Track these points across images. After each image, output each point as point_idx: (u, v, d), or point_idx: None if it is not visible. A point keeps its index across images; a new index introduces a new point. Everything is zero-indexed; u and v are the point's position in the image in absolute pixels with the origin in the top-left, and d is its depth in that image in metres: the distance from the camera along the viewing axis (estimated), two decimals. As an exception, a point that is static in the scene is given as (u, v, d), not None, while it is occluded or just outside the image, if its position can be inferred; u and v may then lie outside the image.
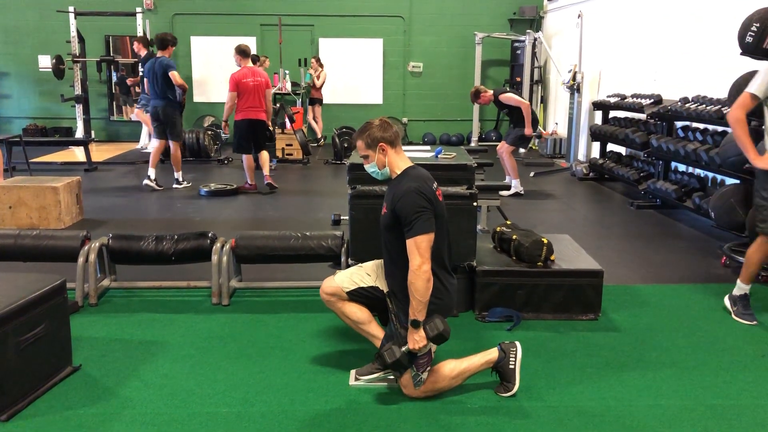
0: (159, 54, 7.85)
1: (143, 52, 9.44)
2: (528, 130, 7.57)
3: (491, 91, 7.78)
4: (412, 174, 2.94)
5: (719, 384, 3.14)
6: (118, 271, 4.46)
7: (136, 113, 10.83)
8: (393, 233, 2.91)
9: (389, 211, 2.90)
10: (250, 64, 7.73)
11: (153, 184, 8.06)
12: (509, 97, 7.63)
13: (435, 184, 2.96)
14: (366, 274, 3.16)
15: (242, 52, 7.67)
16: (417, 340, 2.79)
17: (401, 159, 3.01)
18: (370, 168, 3.04)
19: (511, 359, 2.99)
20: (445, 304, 2.95)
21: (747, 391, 3.07)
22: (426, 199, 2.81)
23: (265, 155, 8.04)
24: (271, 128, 7.97)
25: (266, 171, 8.00)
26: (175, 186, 8.16)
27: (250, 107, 7.64)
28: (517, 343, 3.05)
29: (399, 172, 2.97)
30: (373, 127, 2.97)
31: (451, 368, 2.97)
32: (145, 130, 11.96)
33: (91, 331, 3.70)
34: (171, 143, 8.08)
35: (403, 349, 2.83)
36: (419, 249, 2.75)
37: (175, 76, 7.69)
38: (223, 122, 7.95)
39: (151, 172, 8.12)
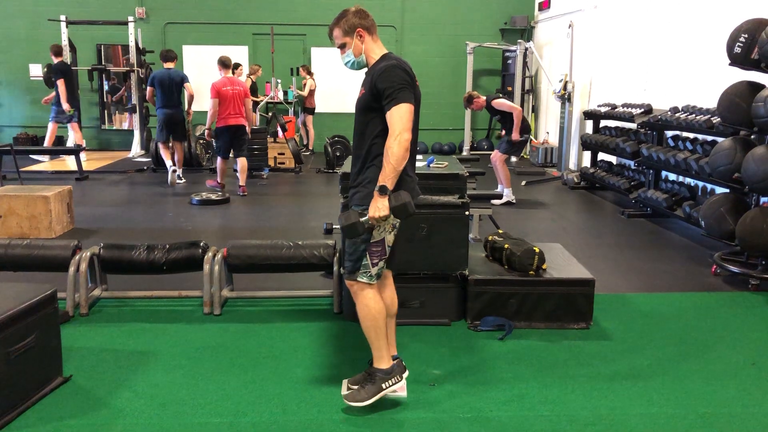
0: (168, 66, 8.91)
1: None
2: (515, 135, 7.61)
3: (484, 97, 7.83)
4: (392, 56, 2.87)
5: (710, 392, 3.15)
6: (109, 281, 4.44)
7: (53, 126, 10.91)
8: (369, 115, 2.82)
9: (368, 89, 2.81)
10: (230, 74, 8.23)
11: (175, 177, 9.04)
12: (501, 103, 7.68)
13: (412, 69, 2.88)
14: None
15: (222, 63, 8.19)
16: (379, 207, 2.67)
17: (378, 46, 2.92)
18: (346, 57, 2.94)
19: (391, 380, 2.89)
20: (410, 187, 2.84)
21: (737, 400, 3.09)
22: (408, 75, 2.76)
23: (244, 163, 8.38)
24: (249, 134, 8.46)
25: (242, 181, 8.38)
26: (178, 181, 9.09)
27: (230, 114, 8.02)
28: (405, 376, 2.95)
29: (376, 59, 2.88)
30: (349, 14, 2.89)
31: (382, 314, 2.86)
32: (136, 139, 11.95)
33: (82, 341, 3.68)
34: (178, 144, 9.27)
35: (363, 218, 2.72)
36: (401, 117, 2.68)
37: (189, 87, 9.10)
38: (207, 129, 8.20)
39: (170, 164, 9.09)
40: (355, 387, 3.05)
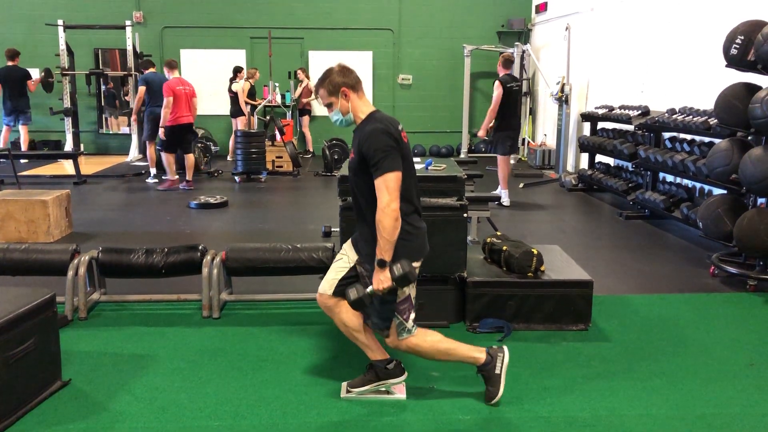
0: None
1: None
2: (481, 131, 7.93)
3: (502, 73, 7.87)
4: (377, 116, 2.89)
5: (708, 393, 3.16)
6: (107, 285, 4.44)
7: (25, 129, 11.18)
8: (361, 177, 2.86)
9: (356, 154, 2.85)
10: (177, 74, 8.89)
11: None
12: (495, 87, 7.79)
13: (400, 126, 2.92)
14: (340, 260, 3.11)
15: (169, 64, 8.94)
16: (382, 280, 2.75)
17: (364, 104, 2.95)
18: (334, 116, 2.97)
19: (497, 364, 3.00)
20: (414, 247, 2.89)
21: (736, 400, 3.09)
22: (392, 138, 2.78)
23: (191, 159, 9.03)
24: (196, 130, 9.20)
25: (189, 176, 8.97)
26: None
27: (182, 113, 8.69)
28: (505, 348, 3.06)
29: (363, 117, 2.92)
30: (333, 74, 2.93)
31: (439, 339, 3.01)
32: (134, 143, 11.94)
33: (81, 345, 3.68)
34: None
35: (368, 290, 2.80)
36: (387, 187, 2.71)
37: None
38: (161, 127, 8.63)
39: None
40: (355, 390, 3.07)
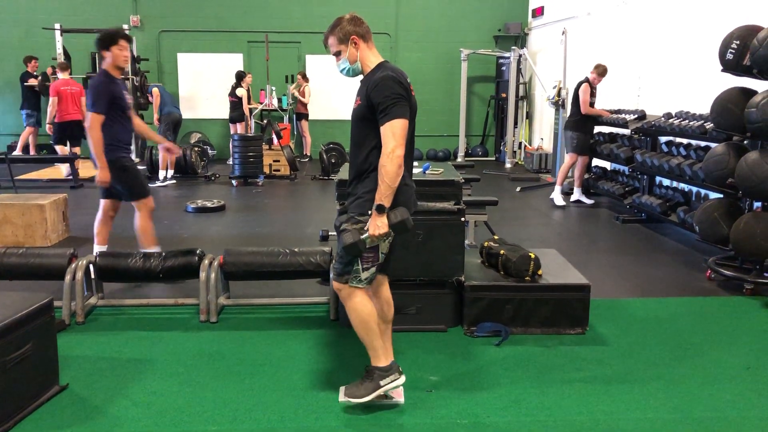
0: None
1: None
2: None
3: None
4: (388, 66, 2.88)
5: (706, 397, 3.17)
6: (105, 289, 4.44)
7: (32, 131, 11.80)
8: (365, 124, 2.84)
9: (363, 100, 2.83)
10: (66, 76, 9.83)
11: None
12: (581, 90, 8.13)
13: (409, 79, 2.91)
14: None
15: (60, 66, 10.00)
16: (379, 225, 2.73)
17: (373, 54, 2.94)
18: (342, 65, 2.95)
19: (388, 377, 2.95)
20: (402, 202, 2.85)
21: (733, 404, 3.10)
22: (402, 87, 2.77)
23: (77, 151, 9.98)
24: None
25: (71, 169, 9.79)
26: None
27: (68, 111, 9.64)
28: (404, 378, 3.01)
29: (372, 66, 2.90)
30: (344, 21, 2.91)
31: (373, 316, 2.92)
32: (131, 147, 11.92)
33: (79, 349, 3.68)
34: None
35: (363, 236, 2.77)
36: (394, 133, 2.71)
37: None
38: (48, 124, 9.69)
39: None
40: (354, 400, 3.05)
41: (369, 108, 2.80)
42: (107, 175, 4.57)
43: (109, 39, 4.67)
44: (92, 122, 4.47)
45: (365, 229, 2.80)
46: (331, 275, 2.97)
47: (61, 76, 9.80)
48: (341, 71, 2.99)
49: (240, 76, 11.59)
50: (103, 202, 4.93)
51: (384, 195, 2.72)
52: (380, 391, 2.98)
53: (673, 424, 2.90)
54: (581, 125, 8.14)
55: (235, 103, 11.59)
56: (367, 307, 2.92)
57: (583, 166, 8.33)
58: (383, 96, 2.73)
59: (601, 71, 8.05)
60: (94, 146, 4.49)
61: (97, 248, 4.82)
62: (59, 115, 9.61)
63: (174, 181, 9.84)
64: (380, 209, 2.73)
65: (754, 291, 4.72)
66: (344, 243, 2.78)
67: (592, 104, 8.09)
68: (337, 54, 2.94)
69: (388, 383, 2.99)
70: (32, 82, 11.60)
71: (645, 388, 3.25)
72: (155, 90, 10.17)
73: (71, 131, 9.74)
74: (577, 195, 8.38)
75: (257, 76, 12.79)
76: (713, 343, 3.85)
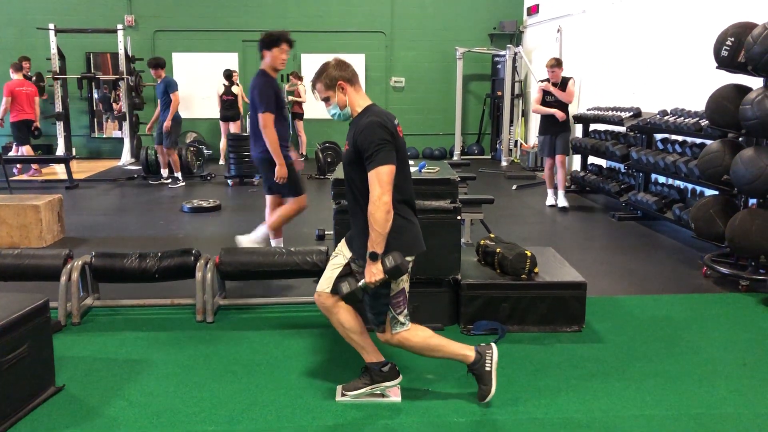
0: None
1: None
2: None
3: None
4: (374, 110, 2.91)
5: (702, 393, 3.18)
6: (101, 290, 4.43)
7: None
8: (355, 169, 2.87)
9: (351, 146, 2.87)
10: (20, 76, 10.13)
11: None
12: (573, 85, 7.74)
13: (396, 120, 2.93)
14: (335, 258, 3.10)
15: (14, 66, 10.22)
16: (374, 272, 2.76)
17: (361, 97, 2.97)
18: (332, 110, 2.99)
19: (487, 361, 3.00)
20: (407, 241, 2.89)
21: (729, 400, 3.11)
22: (387, 132, 2.79)
23: (29, 150, 10.22)
24: (39, 126, 10.36)
25: (21, 166, 10.41)
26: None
27: (23, 110, 9.99)
28: (494, 345, 3.07)
29: (360, 110, 2.94)
30: (330, 68, 2.95)
31: (430, 335, 3.00)
32: (126, 147, 11.91)
33: (75, 350, 3.67)
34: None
35: (360, 283, 2.82)
36: (380, 180, 2.72)
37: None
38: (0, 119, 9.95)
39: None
40: (349, 393, 3.07)
41: (356, 153, 2.83)
42: (286, 171, 4.85)
43: (272, 40, 4.83)
44: (266, 121, 4.72)
45: (361, 277, 2.84)
46: (373, 326, 3.01)
47: (15, 76, 10.04)
48: (332, 116, 3.03)
49: (230, 75, 11.58)
50: (268, 198, 5.23)
51: (375, 242, 2.75)
52: (377, 387, 3.01)
53: (670, 421, 2.90)
54: (540, 127, 8.00)
55: (232, 102, 11.57)
56: (418, 335, 2.98)
57: (548, 168, 8.05)
58: (368, 142, 2.76)
59: (547, 64, 7.77)
60: (271, 144, 4.75)
61: (274, 242, 5.19)
62: (16, 114, 9.91)
63: (183, 183, 9.75)
64: (373, 257, 2.76)
65: (749, 287, 4.73)
66: (340, 293, 2.84)
67: (549, 103, 7.72)
68: (326, 99, 2.98)
69: (385, 379, 3.02)
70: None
71: (641, 385, 3.26)
72: (176, 93, 9.29)
73: (27, 129, 10.10)
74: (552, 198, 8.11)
75: (253, 76, 12.76)
76: (709, 339, 3.86)
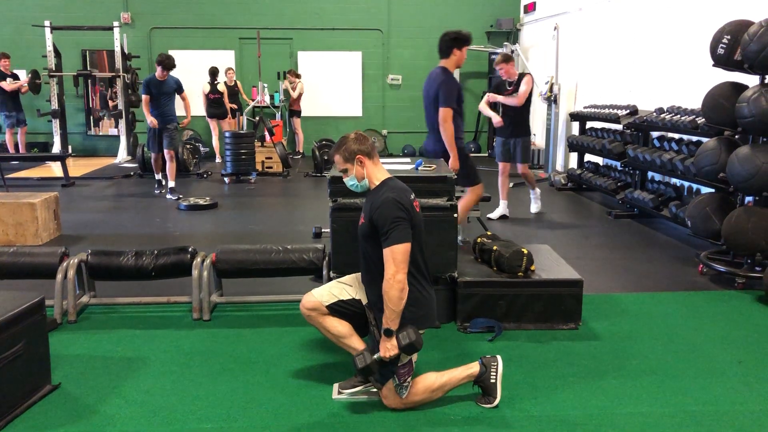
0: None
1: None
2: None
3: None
4: (390, 185, 2.96)
5: (698, 390, 3.18)
6: (97, 288, 4.42)
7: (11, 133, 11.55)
8: (370, 243, 2.92)
9: (367, 220, 2.92)
10: None
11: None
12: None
13: (412, 196, 2.99)
14: (346, 285, 3.17)
15: None
16: (389, 348, 2.81)
17: (379, 170, 3.03)
18: (350, 181, 3.06)
19: (492, 373, 3.02)
20: (423, 315, 2.95)
21: (725, 397, 3.11)
22: (403, 209, 2.83)
23: None
24: None
25: None
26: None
27: None
28: (499, 357, 3.07)
29: (377, 183, 3.00)
30: (349, 141, 3.00)
31: (432, 381, 2.99)
32: (123, 145, 11.89)
33: (71, 348, 3.66)
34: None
35: (375, 356, 2.85)
36: (395, 259, 2.76)
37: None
38: None
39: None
40: (346, 391, 3.07)
41: (372, 228, 2.87)
42: (458, 163, 5.10)
43: (465, 40, 5.18)
44: (446, 116, 5.01)
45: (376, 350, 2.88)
46: (374, 383, 3.02)
47: None
48: (350, 187, 3.09)
49: (215, 72, 11.58)
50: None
51: (390, 319, 2.80)
52: (371, 384, 3.02)
53: (666, 419, 2.91)
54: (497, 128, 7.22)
55: (218, 99, 11.57)
56: (420, 391, 2.96)
57: (501, 174, 7.23)
58: (384, 219, 2.80)
59: (495, 63, 7.22)
60: (448, 137, 5.04)
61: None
62: None
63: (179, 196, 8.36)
64: (388, 333, 2.81)
65: (745, 285, 4.74)
66: (356, 367, 2.87)
67: (494, 106, 7.22)
68: (344, 171, 3.03)
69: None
70: (9, 84, 11.18)
71: (637, 382, 3.26)
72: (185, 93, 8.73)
73: None
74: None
75: (249, 73, 12.76)
76: (705, 337, 3.87)
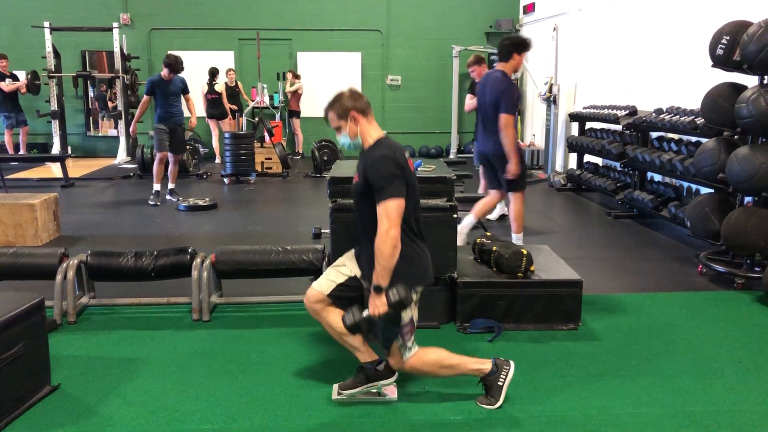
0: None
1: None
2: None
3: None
4: (385, 143, 2.92)
5: (697, 391, 3.18)
6: (96, 288, 4.42)
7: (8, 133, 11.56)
8: (365, 201, 2.88)
9: (361, 178, 2.88)
10: None
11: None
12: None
13: (407, 153, 2.95)
14: (340, 267, 3.13)
15: None
16: (378, 305, 2.78)
17: (373, 128, 2.98)
18: (342, 139, 3.00)
19: (501, 376, 3.01)
20: (417, 272, 2.91)
21: (724, 397, 3.12)
22: (398, 165, 2.80)
23: None
24: None
25: None
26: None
27: None
28: (512, 363, 3.07)
29: (372, 142, 2.94)
30: (343, 98, 2.95)
31: (444, 357, 3.00)
32: (122, 146, 11.89)
33: (70, 349, 3.66)
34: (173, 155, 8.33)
35: (364, 314, 2.83)
36: (388, 214, 2.73)
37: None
38: None
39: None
40: (346, 392, 3.07)
41: (366, 186, 2.84)
42: (519, 169, 5.23)
43: (525, 45, 5.29)
44: (508, 122, 5.10)
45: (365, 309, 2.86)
46: (380, 346, 3.03)
47: None
48: (342, 145, 3.04)
49: (215, 73, 11.58)
50: (493, 191, 5.64)
51: (380, 276, 2.76)
52: (373, 386, 3.02)
53: (665, 419, 2.91)
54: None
55: (216, 100, 11.57)
56: (430, 359, 2.99)
57: (482, 177, 6.65)
58: (379, 175, 2.77)
59: (467, 65, 7.06)
60: (510, 144, 5.14)
61: (515, 237, 5.50)
62: None
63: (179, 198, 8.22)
64: (377, 289, 2.78)
65: (744, 285, 4.74)
66: (345, 324, 2.86)
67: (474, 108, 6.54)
68: (338, 129, 2.98)
69: (381, 380, 3.02)
70: (8, 85, 11.16)
71: (637, 382, 3.26)
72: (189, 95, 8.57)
73: None
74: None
75: (249, 74, 12.76)
76: (705, 337, 3.87)
